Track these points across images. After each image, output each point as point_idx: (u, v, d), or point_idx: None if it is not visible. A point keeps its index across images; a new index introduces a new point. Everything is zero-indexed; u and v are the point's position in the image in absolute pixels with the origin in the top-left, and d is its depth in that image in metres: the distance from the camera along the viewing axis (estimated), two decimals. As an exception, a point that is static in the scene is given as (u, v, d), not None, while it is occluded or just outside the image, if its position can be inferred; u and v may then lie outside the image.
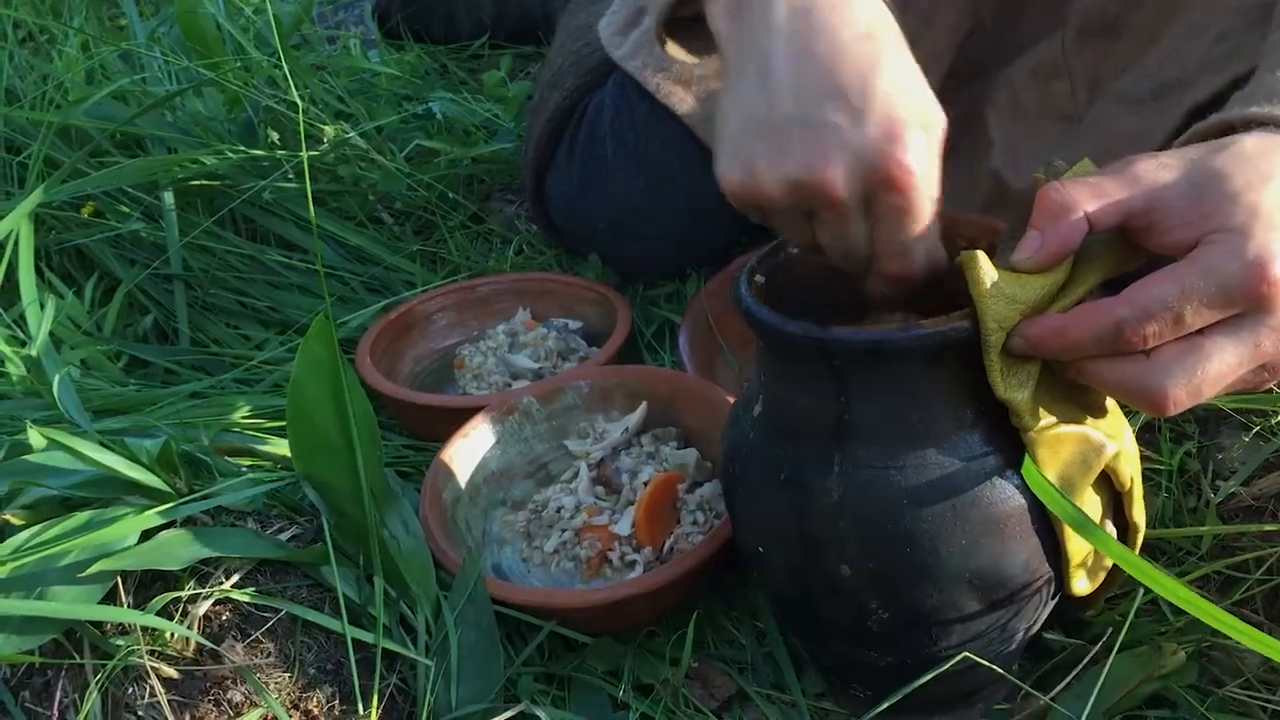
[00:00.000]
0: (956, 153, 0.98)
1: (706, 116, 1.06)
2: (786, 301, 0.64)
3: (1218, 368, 0.50)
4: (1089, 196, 0.52)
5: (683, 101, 1.06)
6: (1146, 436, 0.82)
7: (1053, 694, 0.67)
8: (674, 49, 0.76)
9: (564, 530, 0.85)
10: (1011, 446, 0.57)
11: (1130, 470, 0.59)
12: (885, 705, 0.64)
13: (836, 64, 0.58)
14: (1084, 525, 0.54)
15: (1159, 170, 0.52)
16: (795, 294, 0.66)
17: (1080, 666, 0.68)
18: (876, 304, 0.65)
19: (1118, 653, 0.67)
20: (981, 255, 0.53)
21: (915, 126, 0.56)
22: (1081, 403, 0.57)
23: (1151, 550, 0.78)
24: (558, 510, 0.86)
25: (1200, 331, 0.51)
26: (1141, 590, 0.69)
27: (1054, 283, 0.54)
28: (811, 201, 0.58)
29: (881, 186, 0.57)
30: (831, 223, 0.59)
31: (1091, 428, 0.57)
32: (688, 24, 0.74)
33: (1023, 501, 0.57)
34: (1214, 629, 0.49)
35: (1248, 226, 0.49)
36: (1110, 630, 0.69)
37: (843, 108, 0.57)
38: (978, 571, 0.58)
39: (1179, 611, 0.72)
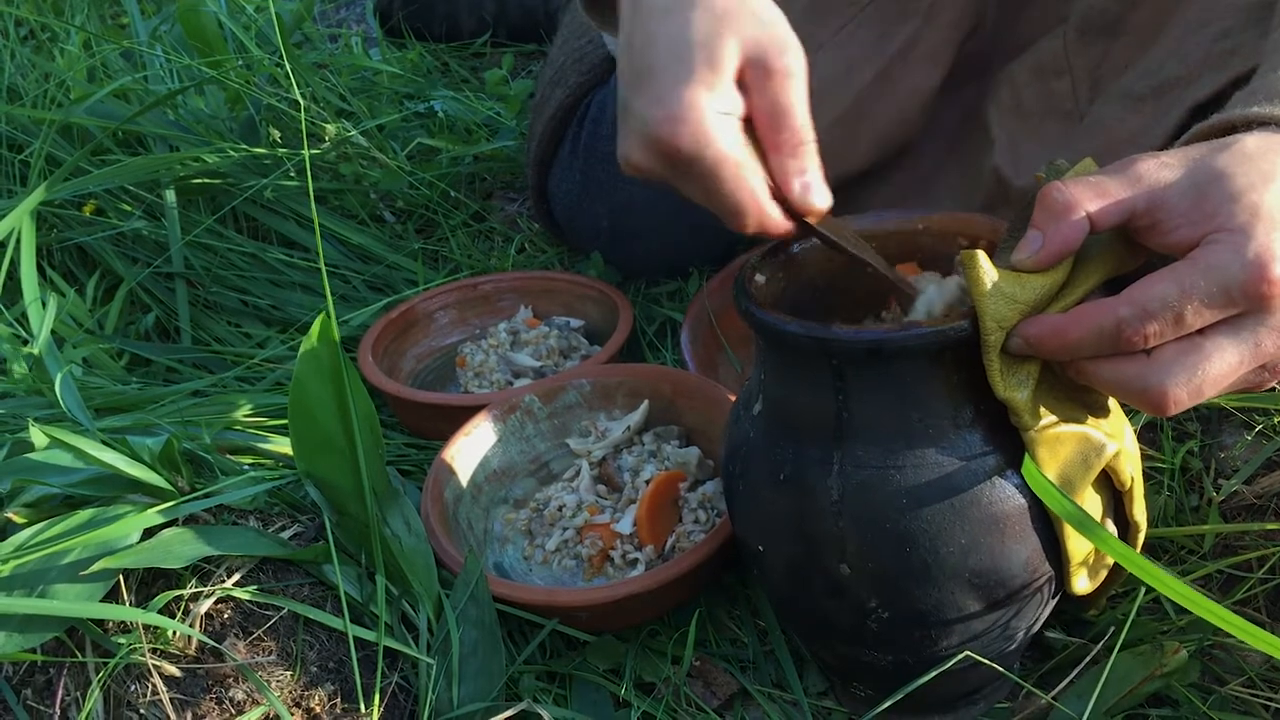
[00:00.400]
0: (957, 150, 0.99)
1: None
2: (787, 300, 0.64)
3: (1218, 368, 0.50)
4: (1091, 196, 0.52)
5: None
6: (1149, 435, 0.82)
7: (1054, 692, 0.67)
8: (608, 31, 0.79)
9: (565, 529, 0.85)
10: (1011, 446, 0.57)
11: (1131, 469, 0.59)
12: (887, 704, 0.64)
13: (638, 45, 0.63)
14: (1084, 524, 0.54)
15: (1161, 169, 0.52)
16: (796, 293, 0.66)
17: (1082, 665, 0.68)
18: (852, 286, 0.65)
19: (1119, 651, 0.67)
20: (981, 254, 0.53)
21: (695, 86, 0.60)
22: (1082, 402, 0.57)
23: (1153, 549, 0.78)
24: (559, 509, 0.86)
25: (1201, 331, 0.51)
26: (1143, 589, 0.69)
27: (1054, 282, 0.54)
28: (644, 178, 0.65)
29: (671, 160, 0.61)
30: (676, 188, 0.64)
31: (1091, 427, 0.57)
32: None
33: (1023, 501, 0.57)
34: (1216, 627, 0.49)
35: (1249, 226, 0.49)
36: (1112, 629, 0.69)
37: (637, 90, 0.62)
38: (977, 571, 0.58)
39: (1181, 610, 0.72)
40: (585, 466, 0.89)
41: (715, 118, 0.60)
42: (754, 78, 0.62)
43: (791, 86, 0.62)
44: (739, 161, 0.60)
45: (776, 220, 0.62)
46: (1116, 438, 0.58)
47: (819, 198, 0.63)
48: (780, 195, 0.62)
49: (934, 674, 0.62)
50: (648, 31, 0.63)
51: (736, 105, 0.62)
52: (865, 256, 0.63)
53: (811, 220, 0.63)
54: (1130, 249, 0.55)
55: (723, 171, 0.60)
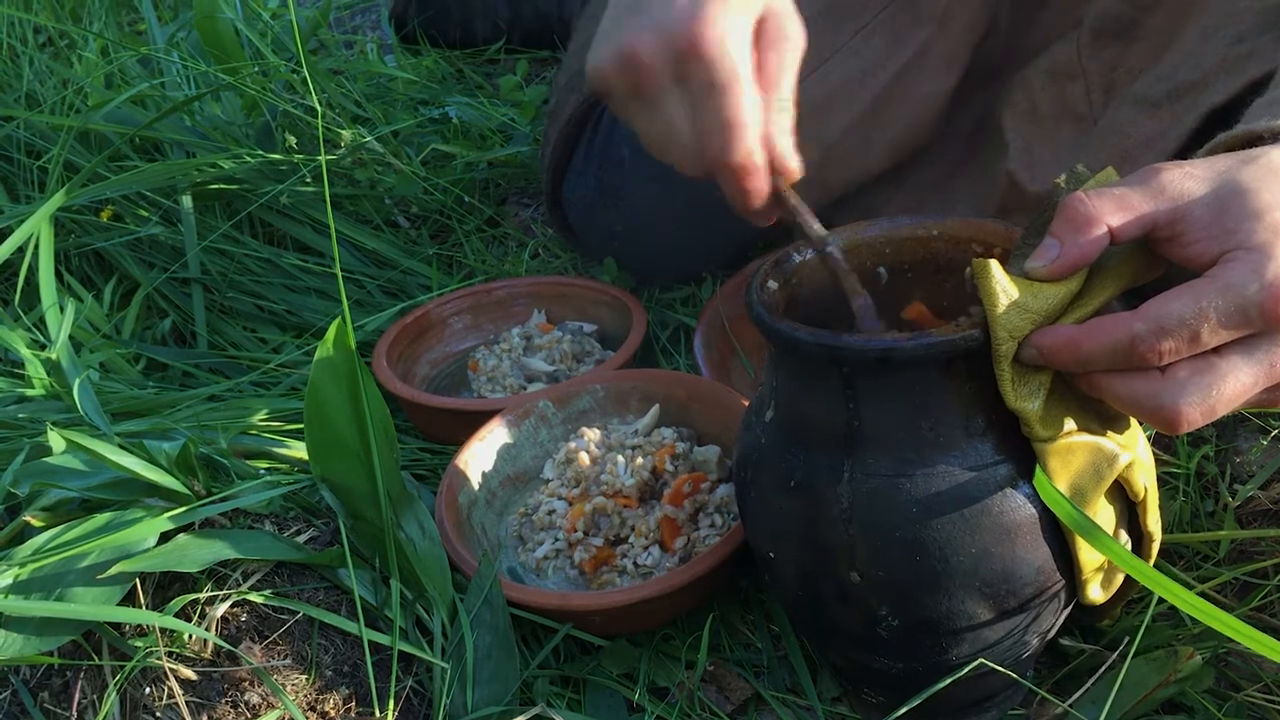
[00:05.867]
0: (972, 154, 0.99)
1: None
2: (800, 307, 0.64)
3: (1232, 388, 0.50)
4: (1113, 209, 0.52)
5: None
6: (1164, 440, 0.82)
7: (1070, 700, 0.67)
8: None
9: (556, 538, 0.85)
10: (1023, 455, 0.56)
11: (1144, 480, 0.59)
12: (901, 712, 0.64)
13: None
14: (1094, 535, 0.53)
15: (1185, 180, 0.52)
16: (809, 300, 0.66)
17: (1099, 674, 0.68)
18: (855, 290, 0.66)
19: (1134, 657, 0.67)
20: (994, 264, 0.53)
21: (726, 7, 0.62)
22: (1095, 412, 0.57)
23: (1169, 555, 0.78)
24: (549, 514, 0.86)
25: (1216, 350, 0.50)
26: (1158, 595, 0.68)
27: (1068, 292, 0.53)
28: (630, 75, 0.65)
29: (685, 58, 0.62)
30: (653, 100, 0.65)
31: (1104, 437, 0.56)
32: None
33: (1034, 511, 0.57)
34: (1230, 636, 0.49)
35: (1269, 246, 0.49)
36: (1127, 635, 0.69)
37: (638, 11, 0.64)
38: (988, 580, 0.57)
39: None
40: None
41: (742, 33, 0.63)
42: (771, 33, 0.65)
43: (795, 56, 0.66)
44: (751, 79, 0.63)
45: (761, 161, 0.64)
46: (1129, 448, 0.57)
47: (793, 158, 0.66)
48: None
49: (947, 683, 0.61)
50: None
51: (750, 35, 0.64)
52: (810, 232, 0.66)
53: (787, 181, 0.66)
54: (1149, 260, 0.54)
55: (736, 81, 0.62)
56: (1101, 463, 0.56)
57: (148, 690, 0.67)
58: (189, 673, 0.67)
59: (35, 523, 0.72)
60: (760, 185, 0.65)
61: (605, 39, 0.67)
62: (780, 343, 0.59)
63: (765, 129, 0.64)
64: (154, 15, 1.56)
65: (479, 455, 0.90)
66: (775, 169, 0.65)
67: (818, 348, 0.56)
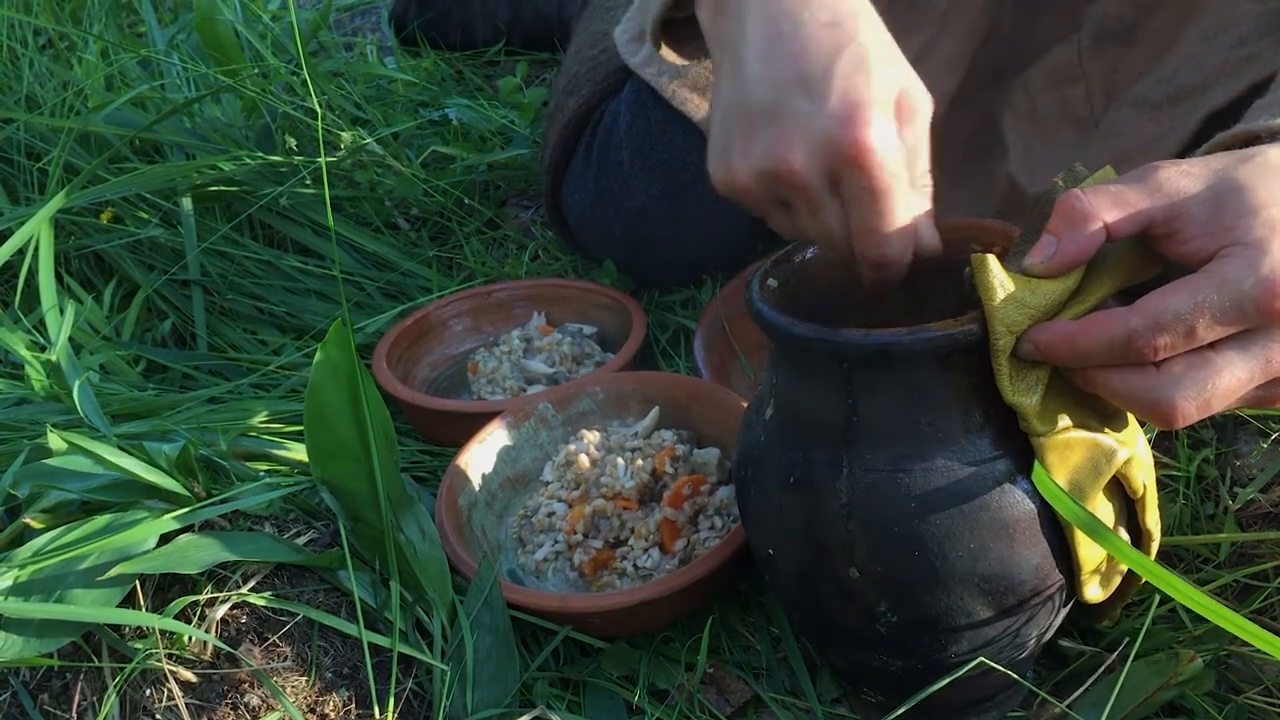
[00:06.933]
0: (972, 157, 0.99)
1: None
2: (800, 306, 0.64)
3: (1228, 383, 0.50)
4: (1110, 205, 0.52)
5: (698, 108, 1.06)
6: (1163, 442, 0.82)
7: (1069, 701, 0.67)
8: (667, 51, 0.78)
9: (556, 541, 0.85)
10: (1021, 451, 0.57)
11: (1143, 476, 0.59)
12: (899, 711, 0.64)
13: (801, 52, 0.61)
14: (1095, 529, 0.54)
15: (1182, 178, 0.52)
16: (809, 299, 0.66)
17: (1097, 674, 0.68)
18: (872, 296, 0.65)
19: (1134, 659, 0.67)
20: (992, 259, 0.53)
21: (877, 105, 0.58)
22: (1093, 408, 0.57)
23: (1168, 558, 0.78)
24: (549, 516, 0.86)
25: (1212, 345, 0.50)
26: (1158, 597, 0.68)
27: (1066, 288, 0.53)
28: (781, 189, 0.62)
29: (844, 167, 0.59)
30: (805, 209, 0.62)
31: (1102, 433, 0.56)
32: (681, 25, 0.75)
33: (1032, 507, 0.57)
34: (1232, 636, 0.49)
35: (1265, 242, 0.49)
36: (1127, 637, 0.69)
37: (804, 93, 0.60)
38: (986, 576, 0.57)
39: (1197, 618, 0.72)
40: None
41: (893, 129, 0.60)
42: (904, 109, 0.61)
43: (925, 124, 0.62)
44: (906, 179, 0.60)
45: (909, 255, 0.62)
46: (1128, 444, 0.57)
47: (934, 240, 0.63)
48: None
49: (946, 681, 0.61)
50: (808, 36, 0.61)
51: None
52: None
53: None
54: (1146, 258, 0.54)
55: (899, 185, 0.59)
56: (1100, 458, 0.56)
57: (148, 692, 0.67)
58: (189, 674, 0.67)
59: (35, 524, 0.72)
60: (898, 274, 0.63)
61: (729, 148, 0.63)
62: (779, 338, 0.59)
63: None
64: (154, 17, 1.56)
65: (479, 457, 0.90)
66: (916, 252, 0.63)
67: (816, 342, 0.56)
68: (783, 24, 0.62)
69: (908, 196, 0.60)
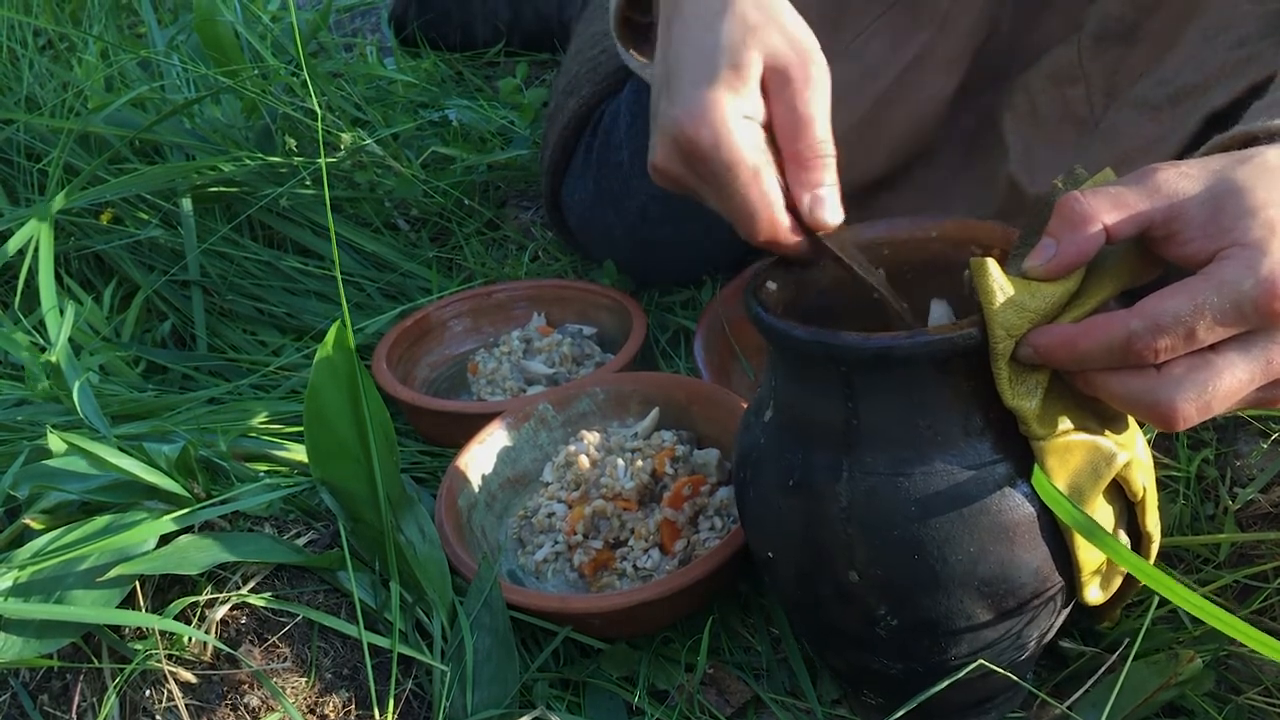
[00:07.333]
0: (973, 158, 0.99)
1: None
2: (799, 307, 0.64)
3: (1228, 384, 0.50)
4: (1109, 207, 0.52)
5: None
6: (1164, 443, 0.82)
7: (1069, 702, 0.67)
8: (634, 53, 0.80)
9: (556, 541, 0.85)
10: (1021, 454, 0.57)
11: (1142, 479, 0.59)
12: (899, 713, 0.64)
13: (670, 48, 0.65)
14: (1094, 533, 0.54)
15: (1180, 180, 0.52)
16: (808, 300, 0.66)
17: (1097, 675, 0.68)
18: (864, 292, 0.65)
19: (1134, 660, 0.67)
20: (992, 263, 0.53)
21: (717, 92, 0.61)
22: (1092, 410, 0.57)
23: (1168, 558, 0.78)
24: (548, 517, 0.86)
25: (1212, 347, 0.50)
26: (1158, 597, 0.68)
27: (1065, 291, 0.53)
28: (664, 183, 0.67)
29: (690, 160, 0.63)
30: (696, 195, 0.66)
31: (1102, 436, 0.56)
32: (647, 28, 0.79)
33: (1032, 510, 0.57)
34: (1232, 636, 0.49)
35: (1264, 243, 0.49)
36: (1127, 638, 0.69)
37: (665, 91, 0.64)
38: (986, 579, 0.57)
39: (1196, 619, 0.72)
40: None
41: (736, 119, 0.61)
42: (776, 85, 0.63)
43: (812, 96, 0.63)
44: (755, 165, 0.61)
45: (786, 230, 0.63)
46: (1127, 447, 0.57)
47: (829, 213, 0.63)
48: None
49: (946, 684, 0.61)
50: (680, 40, 0.64)
51: (758, 110, 0.62)
52: (870, 279, 0.63)
53: (822, 235, 0.63)
54: (1146, 260, 0.54)
55: (738, 173, 0.61)
56: (1100, 461, 0.56)
57: (147, 693, 0.67)
58: (189, 675, 0.67)
59: (35, 525, 0.72)
60: (798, 248, 0.64)
61: (650, 139, 0.67)
62: (779, 341, 0.59)
63: (793, 190, 0.63)
64: (154, 18, 1.56)
65: (479, 458, 0.90)
66: (809, 225, 0.63)
67: (816, 346, 0.56)
68: (673, 24, 0.66)
69: (755, 184, 0.61)
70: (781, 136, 0.63)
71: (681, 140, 0.62)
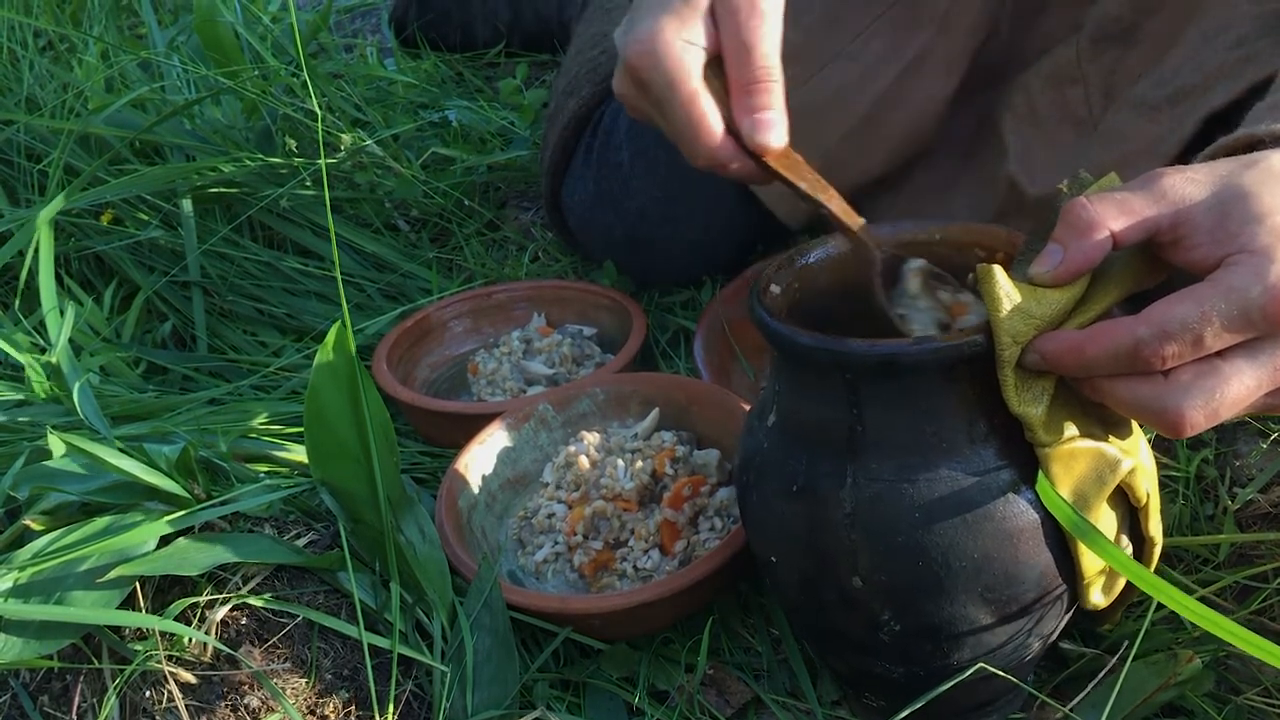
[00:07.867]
0: (972, 159, 0.99)
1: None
2: (802, 310, 0.64)
3: (1236, 391, 0.50)
4: (1115, 213, 0.52)
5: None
6: (1164, 443, 0.82)
7: (1070, 704, 0.67)
8: None
9: (556, 542, 0.85)
10: (1026, 461, 0.56)
11: (1146, 485, 0.59)
12: (901, 716, 0.63)
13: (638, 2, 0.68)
14: (1096, 541, 0.54)
15: (1187, 185, 0.52)
16: (812, 303, 0.66)
17: (1100, 677, 0.68)
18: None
19: (1134, 661, 0.67)
20: (998, 270, 0.53)
21: (662, 20, 0.64)
22: (1097, 417, 0.57)
23: (1169, 559, 0.78)
24: (548, 518, 0.86)
25: (1219, 354, 0.50)
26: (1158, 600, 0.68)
27: (1071, 297, 0.53)
28: (630, 109, 0.70)
29: (639, 85, 0.66)
30: (655, 122, 0.69)
31: (1107, 443, 0.56)
32: None
33: (1036, 516, 0.57)
34: (1229, 641, 0.49)
35: (1271, 249, 0.49)
36: (1127, 639, 0.69)
37: (625, 23, 0.68)
38: (990, 585, 0.57)
39: (1196, 620, 0.72)
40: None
41: (678, 44, 0.64)
42: (722, 14, 0.65)
43: (755, 23, 0.65)
44: (695, 89, 0.64)
45: (726, 152, 0.65)
46: (1132, 454, 0.57)
47: (772, 135, 0.65)
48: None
49: (947, 687, 0.61)
50: None
51: (701, 37, 0.65)
52: (819, 197, 0.65)
53: (769, 160, 0.65)
54: (1152, 266, 0.54)
55: (677, 94, 0.64)
56: (1104, 468, 0.56)
57: (147, 693, 0.67)
58: (189, 676, 0.67)
59: (35, 526, 0.72)
60: (743, 172, 0.66)
61: None
62: (783, 347, 0.59)
63: (735, 114, 0.65)
64: (154, 19, 1.56)
65: (479, 459, 0.90)
66: (751, 148, 0.65)
67: (821, 352, 0.56)
68: None
69: (689, 108, 0.64)
70: (728, 64, 0.65)
71: (629, 65, 0.66)
